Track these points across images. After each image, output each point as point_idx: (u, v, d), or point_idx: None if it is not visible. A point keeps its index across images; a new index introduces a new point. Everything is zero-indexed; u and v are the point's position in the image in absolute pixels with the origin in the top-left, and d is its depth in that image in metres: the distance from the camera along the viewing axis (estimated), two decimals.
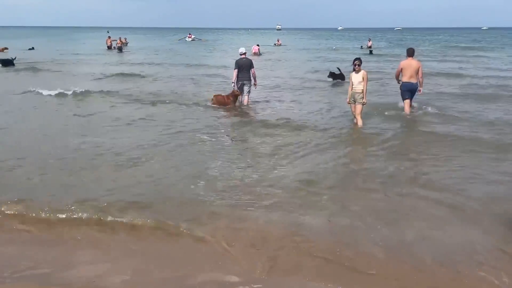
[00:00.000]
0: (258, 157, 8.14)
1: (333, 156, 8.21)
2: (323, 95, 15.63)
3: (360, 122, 10.57)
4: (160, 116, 11.76)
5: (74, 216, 5.61)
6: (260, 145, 8.93)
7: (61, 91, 14.96)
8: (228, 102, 13.05)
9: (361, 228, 5.39)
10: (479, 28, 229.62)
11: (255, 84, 13.42)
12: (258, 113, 12.31)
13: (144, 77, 20.41)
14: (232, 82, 13.37)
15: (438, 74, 21.05)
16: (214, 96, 13.38)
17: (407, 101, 11.83)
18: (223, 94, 13.36)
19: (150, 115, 11.87)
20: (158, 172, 7.24)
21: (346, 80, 18.32)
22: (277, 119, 11.15)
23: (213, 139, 9.35)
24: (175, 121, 11.06)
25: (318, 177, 7.03)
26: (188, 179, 6.90)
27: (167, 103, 13.66)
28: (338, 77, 18.79)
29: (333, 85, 18.10)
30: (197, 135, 9.67)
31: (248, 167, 7.56)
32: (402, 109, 11.92)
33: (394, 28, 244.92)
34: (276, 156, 8.17)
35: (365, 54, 33.98)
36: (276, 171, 7.34)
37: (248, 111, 12.54)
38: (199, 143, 9.01)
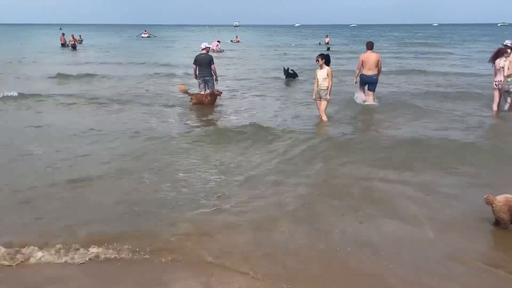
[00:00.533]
0: (224, 164, 7.72)
1: (298, 161, 7.83)
2: (285, 93, 15.38)
3: (324, 118, 10.65)
4: (115, 121, 10.99)
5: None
6: (224, 152, 8.40)
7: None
8: (206, 100, 12.67)
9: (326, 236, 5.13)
10: (430, 25, 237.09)
11: (216, 80, 13.16)
12: (222, 116, 11.77)
13: (98, 76, 19.44)
14: (195, 77, 13.12)
15: (398, 71, 21.20)
16: (194, 95, 12.86)
17: (369, 92, 12.46)
18: (202, 93, 12.93)
19: (103, 120, 11.09)
20: (120, 191, 6.42)
21: (299, 78, 18.51)
22: (242, 123, 10.47)
23: (177, 149, 8.51)
24: (130, 127, 10.21)
25: (286, 184, 6.71)
26: (152, 197, 6.27)
27: (124, 104, 13.00)
28: (291, 75, 18.71)
29: (292, 83, 17.87)
30: (157, 142, 8.92)
31: (215, 178, 7.10)
32: (361, 101, 12.58)
33: (349, 25, 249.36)
34: (240, 165, 7.77)
35: (322, 51, 34.06)
36: (241, 180, 6.95)
37: (211, 114, 11.96)
38: (159, 153, 8.22)
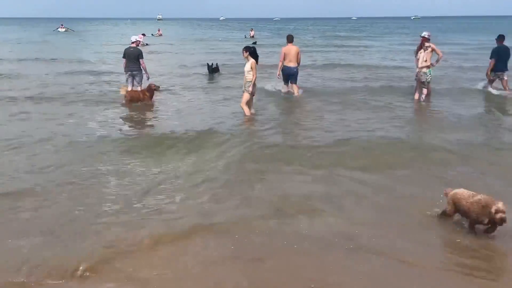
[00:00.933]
0: (149, 174, 7.19)
1: (223, 168, 7.20)
2: (210, 90, 14.91)
3: (246, 111, 10.48)
4: (30, 126, 9.94)
5: None
6: (149, 160, 7.70)
7: None
8: (144, 97, 11.98)
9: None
10: (350, 18, 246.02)
11: (147, 76, 12.60)
12: (146, 118, 11.01)
13: (11, 75, 17.71)
14: (125, 73, 12.54)
15: (323, 65, 21.47)
16: (127, 92, 12.08)
17: (292, 84, 12.88)
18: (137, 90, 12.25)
19: (16, 125, 10.09)
20: (38, 209, 5.72)
21: (224, 73, 18.16)
22: (166, 126, 9.81)
23: (97, 157, 7.68)
24: (48, 132, 9.28)
25: (213, 192, 6.31)
26: (72, 213, 5.65)
27: (40, 105, 12.03)
28: (214, 70, 18.30)
29: (217, 78, 17.50)
30: (77, 150, 8.07)
31: (140, 189, 6.58)
32: (285, 93, 12.96)
33: (273, 18, 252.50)
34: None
35: (248, 44, 33.90)
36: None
37: (135, 115, 11.18)
38: (79, 163, 7.39)
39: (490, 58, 12.89)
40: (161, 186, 6.43)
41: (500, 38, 13.04)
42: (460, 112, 11.07)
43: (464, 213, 5.07)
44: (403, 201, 5.92)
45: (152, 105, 11.96)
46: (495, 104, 12.12)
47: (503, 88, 13.03)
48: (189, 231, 5.06)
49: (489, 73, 13.05)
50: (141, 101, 11.94)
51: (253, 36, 45.51)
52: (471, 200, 4.93)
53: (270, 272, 4.36)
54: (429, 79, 11.88)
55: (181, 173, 6.96)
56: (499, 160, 7.58)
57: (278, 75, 13.02)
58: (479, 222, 4.90)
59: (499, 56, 12.75)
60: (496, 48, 12.99)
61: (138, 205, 5.78)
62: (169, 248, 4.75)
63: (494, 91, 13.08)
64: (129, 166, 7.26)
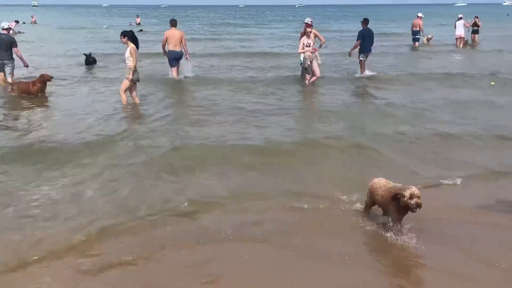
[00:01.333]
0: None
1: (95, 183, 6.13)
2: (89, 83, 13.63)
3: (124, 100, 10.03)
4: None
5: None
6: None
7: None
8: (34, 89, 10.72)
9: None
10: (237, 6, 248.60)
11: (26, 64, 11.66)
12: (7, 121, 9.62)
13: None
14: None
15: (216, 53, 21.13)
16: (15, 83, 10.75)
17: (174, 68, 13.00)
18: (26, 81, 11.06)
19: None
20: None
21: (98, 64, 16.90)
22: (40, 133, 8.35)
23: None
24: None
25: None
26: None
27: None
28: (92, 61, 16.84)
29: (96, 69, 16.28)
30: None
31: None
32: (173, 79, 12.98)
33: (160, 5, 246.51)
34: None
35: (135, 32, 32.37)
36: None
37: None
38: None
39: (357, 39, 13.69)
40: (40, 199, 5.58)
41: (365, 21, 13.92)
42: (344, 98, 11.41)
43: (381, 204, 4.76)
44: (292, 192, 5.77)
45: (35, 100, 10.61)
46: (370, 87, 12.78)
47: (361, 69, 13.95)
48: (72, 243, 4.56)
49: (351, 52, 13.98)
50: (32, 94, 10.74)
51: (139, 23, 43.77)
52: (385, 188, 4.65)
53: (161, 271, 4.14)
54: (319, 62, 12.40)
55: (59, 185, 6.02)
56: (385, 147, 7.56)
57: (164, 54, 13.05)
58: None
59: (364, 37, 13.57)
60: (361, 30, 13.82)
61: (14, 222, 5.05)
62: (53, 261, 4.25)
63: (367, 74, 13.90)
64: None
